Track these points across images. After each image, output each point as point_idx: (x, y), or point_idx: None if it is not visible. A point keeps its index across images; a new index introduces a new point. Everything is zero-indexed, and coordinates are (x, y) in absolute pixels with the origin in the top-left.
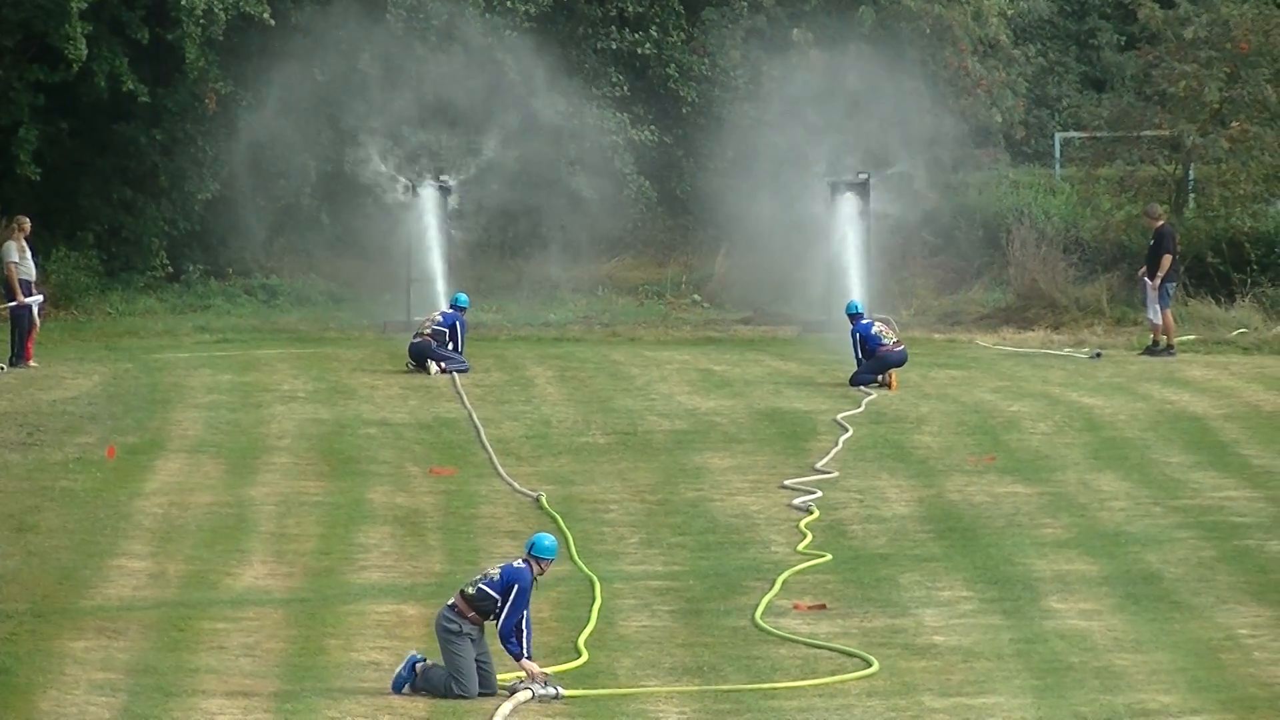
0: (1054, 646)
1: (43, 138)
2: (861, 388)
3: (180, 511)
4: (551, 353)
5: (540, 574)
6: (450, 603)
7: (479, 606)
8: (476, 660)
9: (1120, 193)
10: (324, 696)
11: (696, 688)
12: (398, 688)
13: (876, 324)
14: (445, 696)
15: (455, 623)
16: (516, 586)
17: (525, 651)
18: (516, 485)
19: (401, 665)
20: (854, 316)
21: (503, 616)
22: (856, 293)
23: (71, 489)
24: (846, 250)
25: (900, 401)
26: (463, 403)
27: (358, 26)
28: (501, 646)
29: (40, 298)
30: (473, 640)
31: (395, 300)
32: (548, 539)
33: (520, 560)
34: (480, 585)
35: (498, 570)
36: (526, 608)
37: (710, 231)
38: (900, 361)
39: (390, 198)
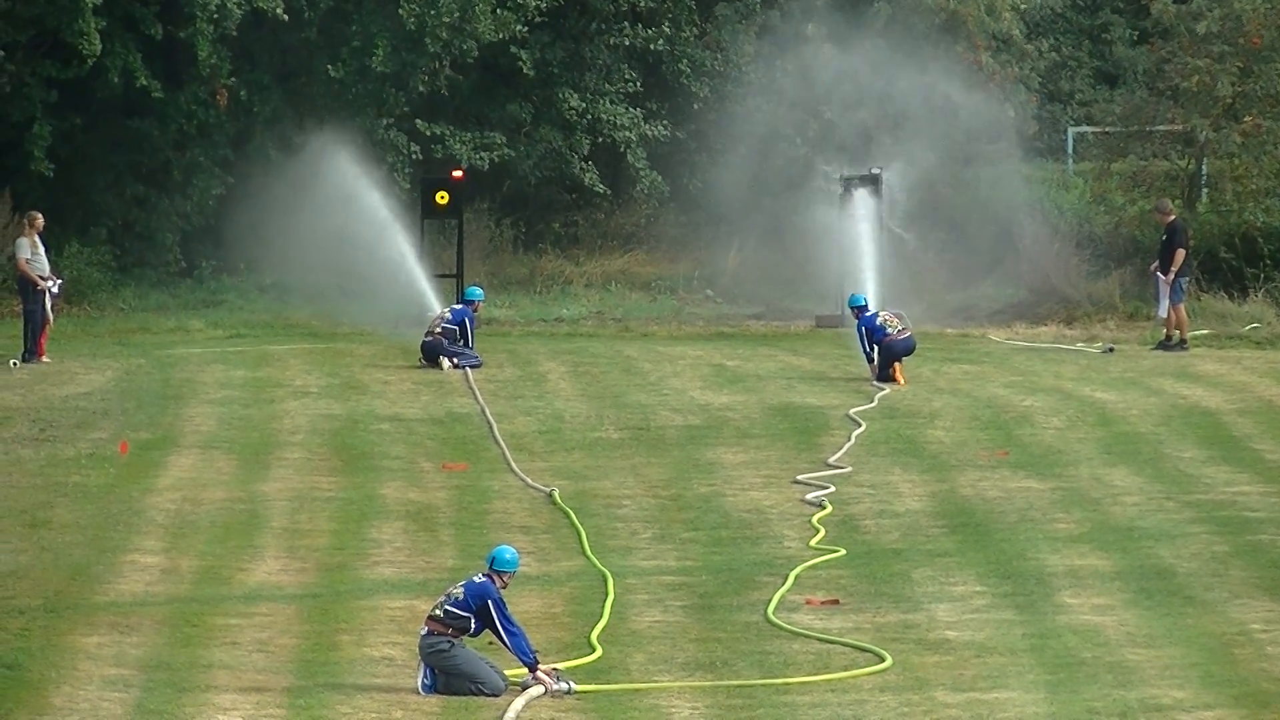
0: (1067, 641)
1: (56, 134)
2: (874, 382)
3: (193, 507)
4: (564, 348)
5: (503, 586)
6: (425, 630)
7: (453, 625)
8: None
9: (1133, 188)
10: (336, 692)
11: (709, 683)
12: (428, 691)
13: (880, 315)
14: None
15: (441, 639)
16: (490, 601)
17: (533, 657)
18: (529, 480)
19: (422, 674)
20: (858, 310)
21: (503, 636)
22: (869, 288)
23: (84, 484)
24: (859, 245)
25: (913, 396)
26: (475, 398)
27: (371, 21)
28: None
29: (59, 281)
30: (461, 644)
31: (408, 295)
32: (508, 551)
33: (480, 575)
34: (447, 607)
35: (461, 589)
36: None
37: (723, 227)
38: (908, 349)
39: (406, 193)
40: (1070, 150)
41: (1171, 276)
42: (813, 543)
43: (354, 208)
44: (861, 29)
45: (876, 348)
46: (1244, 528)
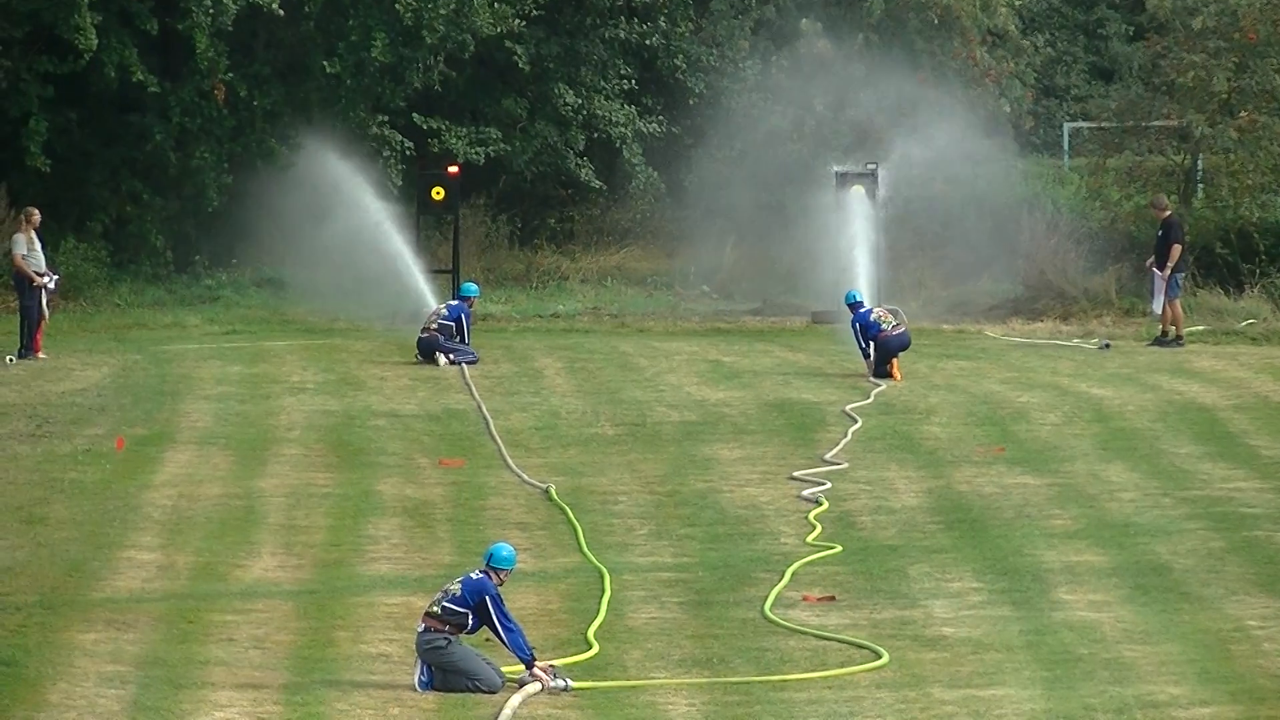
0: (1063, 638)
1: (52, 129)
2: (871, 378)
3: (189, 503)
4: (560, 344)
5: (500, 583)
6: (422, 627)
7: (451, 622)
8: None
9: (1129, 183)
10: (333, 689)
11: (705, 679)
12: (424, 688)
13: (875, 311)
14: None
15: (438, 636)
16: (486, 597)
17: (530, 654)
18: (525, 477)
19: (419, 671)
20: (853, 306)
21: (500, 633)
22: (864, 283)
23: (80, 481)
24: (855, 241)
25: (909, 392)
26: (471, 394)
27: (368, 15)
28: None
29: (55, 276)
30: (459, 641)
31: (404, 291)
32: (505, 549)
33: (478, 571)
34: (444, 604)
35: (458, 585)
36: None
37: (719, 222)
38: (902, 345)
39: (401, 188)
40: (1066, 146)
41: (1167, 272)
42: (809, 539)
43: (350, 203)
44: (856, 24)
45: (872, 344)
46: (1240, 524)
